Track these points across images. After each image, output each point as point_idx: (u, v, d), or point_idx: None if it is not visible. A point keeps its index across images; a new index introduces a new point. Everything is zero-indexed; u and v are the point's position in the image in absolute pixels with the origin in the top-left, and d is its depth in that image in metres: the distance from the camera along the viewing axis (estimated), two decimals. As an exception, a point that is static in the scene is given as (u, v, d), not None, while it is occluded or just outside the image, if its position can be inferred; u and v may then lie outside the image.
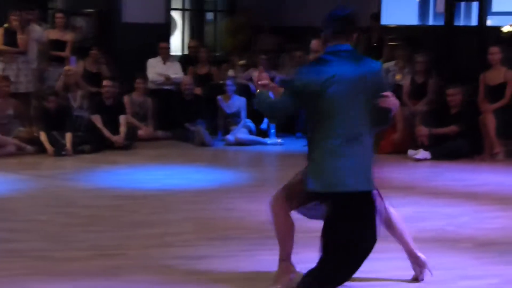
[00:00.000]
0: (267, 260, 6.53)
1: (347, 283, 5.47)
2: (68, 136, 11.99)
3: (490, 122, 12.10)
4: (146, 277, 6.11)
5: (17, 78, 12.97)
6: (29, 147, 11.98)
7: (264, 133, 13.81)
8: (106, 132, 12.56)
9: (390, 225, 5.90)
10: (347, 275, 5.34)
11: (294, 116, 14.18)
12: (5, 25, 13.04)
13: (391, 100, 5.35)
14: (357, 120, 5.24)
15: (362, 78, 5.25)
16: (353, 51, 5.39)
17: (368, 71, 5.31)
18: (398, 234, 5.96)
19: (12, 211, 8.42)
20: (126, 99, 13.44)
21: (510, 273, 6.35)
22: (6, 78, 12.63)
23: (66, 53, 13.72)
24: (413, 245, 6.01)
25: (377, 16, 15.16)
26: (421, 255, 6.02)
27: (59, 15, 13.88)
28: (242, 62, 15.09)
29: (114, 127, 12.66)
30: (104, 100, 12.90)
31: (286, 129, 14.31)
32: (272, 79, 14.44)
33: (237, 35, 16.17)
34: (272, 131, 13.87)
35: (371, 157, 5.31)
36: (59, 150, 11.79)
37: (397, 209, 7.28)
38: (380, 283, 6.07)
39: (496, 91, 12.36)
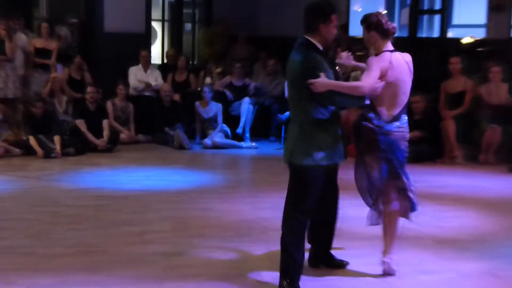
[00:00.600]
0: (242, 256, 6.60)
1: (315, 278, 5.53)
2: (57, 139, 11.98)
3: (450, 127, 12.22)
4: (127, 272, 6.13)
5: (5, 84, 12.92)
6: (16, 150, 11.97)
7: (240, 137, 13.83)
8: (90, 136, 12.56)
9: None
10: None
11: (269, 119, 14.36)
12: (-7, 34, 12.99)
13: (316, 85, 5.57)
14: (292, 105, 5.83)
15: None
16: (299, 43, 5.77)
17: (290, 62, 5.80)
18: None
19: (0, 210, 8.41)
20: (108, 104, 13.46)
21: (467, 268, 6.43)
22: (-6, 84, 12.57)
23: (51, 60, 13.70)
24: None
25: (345, 27, 15.24)
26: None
27: (44, 24, 13.87)
28: (218, 70, 15.10)
29: (97, 131, 12.65)
30: (87, 106, 12.89)
31: (260, 133, 14.37)
32: (245, 87, 14.61)
33: (213, 45, 16.19)
34: (247, 135, 13.92)
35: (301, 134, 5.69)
36: (48, 153, 11.78)
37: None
38: (349, 277, 6.12)
39: (456, 99, 12.47)
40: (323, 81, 5.56)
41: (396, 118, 6.09)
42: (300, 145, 5.68)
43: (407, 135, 6.31)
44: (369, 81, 5.77)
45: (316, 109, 5.66)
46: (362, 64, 6.36)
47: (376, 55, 6.02)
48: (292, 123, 5.82)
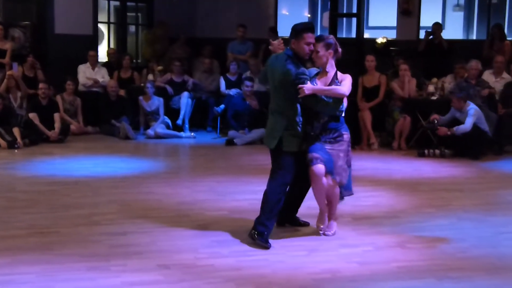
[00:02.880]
0: (181, 235, 6.58)
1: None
2: (17, 131, 11.81)
3: (367, 117, 12.33)
4: (76, 250, 6.07)
5: (-35, 82, 12.71)
6: (-24, 142, 11.74)
7: (180, 128, 13.77)
8: (43, 128, 12.40)
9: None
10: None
11: (206, 111, 14.33)
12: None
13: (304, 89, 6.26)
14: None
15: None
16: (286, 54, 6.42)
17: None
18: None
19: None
20: (58, 98, 13.31)
21: (381, 241, 6.51)
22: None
23: (6, 60, 13.51)
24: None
25: (274, 29, 15.26)
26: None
27: (-2, 27, 13.71)
28: (159, 68, 15.03)
29: (49, 124, 12.50)
30: (40, 100, 12.72)
31: (198, 125, 14.35)
32: (184, 83, 14.55)
33: (155, 45, 16.09)
34: (186, 126, 13.86)
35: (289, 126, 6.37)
36: (12, 144, 11.61)
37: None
38: (275, 254, 6.14)
39: (372, 92, 12.59)
40: (309, 86, 6.22)
41: None
42: (288, 135, 6.36)
43: None
44: (346, 89, 6.39)
45: (297, 108, 6.37)
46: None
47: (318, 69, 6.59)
48: (277, 114, 6.46)
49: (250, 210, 7.34)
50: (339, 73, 6.53)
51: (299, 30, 6.35)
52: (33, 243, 6.27)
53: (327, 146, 6.46)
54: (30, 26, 15.03)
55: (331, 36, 6.60)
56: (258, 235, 6.27)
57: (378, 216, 7.48)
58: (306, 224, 6.92)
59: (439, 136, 11.53)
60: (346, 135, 6.61)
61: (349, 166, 6.68)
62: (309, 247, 6.30)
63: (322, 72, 6.53)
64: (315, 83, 6.41)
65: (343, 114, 6.60)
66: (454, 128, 11.19)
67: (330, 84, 6.42)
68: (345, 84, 6.41)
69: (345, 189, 6.69)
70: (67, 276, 5.43)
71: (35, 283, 5.27)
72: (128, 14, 17.33)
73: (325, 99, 6.32)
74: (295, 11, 19.43)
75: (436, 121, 11.48)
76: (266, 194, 6.43)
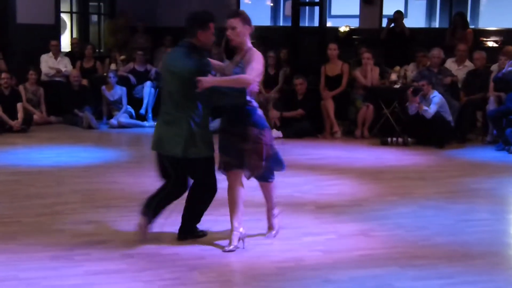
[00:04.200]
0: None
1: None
2: None
3: (330, 106, 12.37)
4: (40, 240, 6.01)
5: None
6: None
7: (143, 117, 13.70)
8: (5, 118, 12.27)
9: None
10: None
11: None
12: None
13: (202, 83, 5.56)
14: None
15: None
16: (185, 46, 5.81)
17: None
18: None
19: None
20: (20, 88, 13.17)
21: (344, 229, 6.53)
22: None
23: (-33, 49, 13.33)
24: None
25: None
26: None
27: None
28: (122, 57, 14.96)
29: (12, 114, 12.36)
30: (2, 90, 12.57)
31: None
32: (147, 72, 14.49)
33: (117, 35, 16.02)
34: (150, 115, 13.79)
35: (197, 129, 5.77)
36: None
37: (252, 180, 7.36)
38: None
39: (334, 81, 12.62)
40: (207, 79, 5.56)
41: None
42: (199, 139, 5.76)
43: None
44: (255, 73, 5.63)
45: (204, 108, 5.78)
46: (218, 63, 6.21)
47: (238, 49, 5.85)
48: (176, 119, 5.77)
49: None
50: (249, 51, 5.77)
51: (206, 20, 5.79)
52: (-6, 234, 6.20)
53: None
54: (-8, 15, 14.84)
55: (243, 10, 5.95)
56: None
57: (341, 205, 7.50)
58: (205, 233, 6.23)
59: (402, 124, 11.59)
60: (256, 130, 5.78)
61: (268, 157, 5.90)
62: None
63: (240, 52, 5.83)
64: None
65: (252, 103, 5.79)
66: (425, 108, 11.17)
67: (236, 67, 5.76)
68: (253, 68, 5.61)
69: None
70: (31, 265, 5.38)
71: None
72: (91, 3, 17.21)
73: (222, 90, 5.64)
74: (257, 0, 19.42)
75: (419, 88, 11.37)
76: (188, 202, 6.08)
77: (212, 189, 6.01)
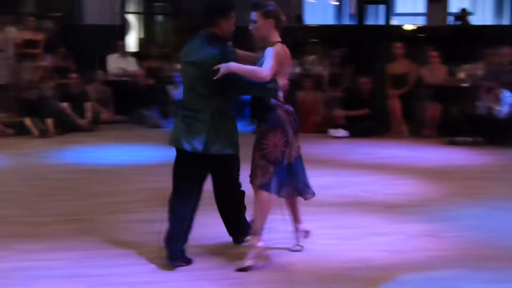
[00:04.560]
0: (211, 222, 6.54)
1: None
2: (50, 121, 11.93)
3: (396, 105, 12.23)
4: (108, 237, 6.08)
5: (-2, 72, 12.90)
6: (9, 130, 11.89)
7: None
8: (74, 117, 12.47)
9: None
10: None
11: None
12: (-14, 28, 13.03)
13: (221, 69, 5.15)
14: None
15: None
16: (207, 36, 5.45)
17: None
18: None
19: (-6, 184, 8.32)
20: (89, 87, 13.38)
21: (412, 229, 6.42)
22: (-12, 72, 12.58)
23: (38, 50, 13.63)
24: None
25: (300, 17, 15.18)
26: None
27: (31, 18, 13.87)
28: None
29: (80, 112, 12.58)
30: (72, 90, 12.82)
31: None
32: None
33: (182, 34, 16.14)
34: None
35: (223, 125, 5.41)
36: (44, 133, 11.73)
37: (319, 179, 7.37)
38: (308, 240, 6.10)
39: (400, 79, 12.48)
40: (227, 65, 5.12)
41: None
42: (223, 135, 5.36)
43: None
44: (268, 68, 5.14)
45: (229, 101, 5.40)
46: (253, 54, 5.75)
47: (263, 46, 5.35)
48: (198, 113, 5.33)
49: (278, 199, 7.30)
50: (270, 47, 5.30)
51: (228, 7, 5.42)
52: (66, 230, 6.31)
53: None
54: (61, 18, 15.16)
55: (272, 2, 5.43)
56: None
57: (409, 205, 7.38)
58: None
59: (470, 123, 11.38)
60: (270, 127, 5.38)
61: (271, 162, 5.39)
62: (340, 235, 6.23)
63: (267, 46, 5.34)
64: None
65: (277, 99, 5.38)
66: (498, 107, 10.94)
67: (255, 63, 5.39)
68: (267, 63, 5.16)
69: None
70: (99, 262, 5.45)
71: (68, 269, 5.29)
72: (156, 4, 17.37)
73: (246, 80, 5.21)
74: (321, -1, 19.32)
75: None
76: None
77: (236, 193, 5.72)
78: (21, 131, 11.83)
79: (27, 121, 11.86)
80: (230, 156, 5.49)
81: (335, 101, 12.75)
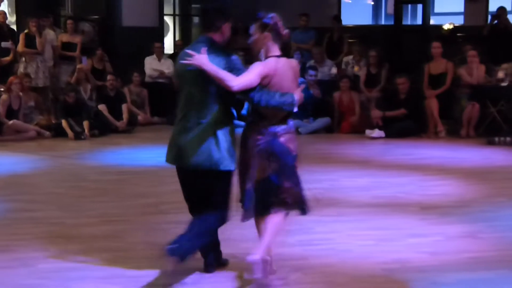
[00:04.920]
0: (246, 224, 6.52)
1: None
2: (86, 124, 12.03)
3: (434, 105, 12.11)
4: (145, 239, 6.10)
5: (36, 74, 13.10)
6: (47, 133, 12.02)
7: (245, 118, 13.70)
8: (111, 119, 12.57)
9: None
10: None
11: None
12: (26, 31, 13.22)
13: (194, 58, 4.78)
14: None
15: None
16: (207, 42, 4.96)
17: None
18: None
19: (33, 186, 8.41)
20: (125, 90, 13.46)
21: (451, 231, 6.35)
22: (27, 75, 12.78)
23: (76, 53, 13.78)
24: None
25: (337, 17, 15.11)
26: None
27: (69, 21, 14.00)
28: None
29: (117, 114, 12.67)
30: (108, 92, 12.90)
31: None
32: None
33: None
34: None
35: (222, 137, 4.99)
36: (78, 135, 11.83)
37: (356, 180, 7.32)
38: (343, 243, 6.05)
39: (438, 79, 12.37)
40: (201, 58, 4.74)
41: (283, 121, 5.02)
42: (224, 148, 4.93)
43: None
44: (242, 81, 4.77)
45: (230, 110, 5.03)
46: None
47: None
48: (198, 124, 4.92)
49: (315, 200, 7.28)
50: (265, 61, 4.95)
51: (230, 11, 5.09)
52: (103, 231, 6.34)
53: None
54: (99, 20, 15.31)
55: (272, 14, 5.07)
56: None
57: (447, 206, 7.30)
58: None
59: (510, 122, 11.24)
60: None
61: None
62: (376, 236, 6.18)
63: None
64: None
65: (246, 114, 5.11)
66: None
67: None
68: (242, 75, 4.79)
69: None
70: (137, 263, 5.45)
71: (105, 271, 5.32)
72: (193, 5, 17.43)
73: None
74: (358, -1, 19.25)
75: None
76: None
77: (224, 217, 5.17)
78: (59, 134, 11.96)
79: (64, 123, 11.98)
80: (231, 172, 5.03)
81: (372, 102, 12.69)
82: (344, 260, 5.56)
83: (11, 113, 11.99)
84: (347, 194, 7.69)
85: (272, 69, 4.88)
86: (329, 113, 12.79)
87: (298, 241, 6.01)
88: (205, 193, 5.12)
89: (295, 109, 4.94)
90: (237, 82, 4.74)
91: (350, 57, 13.80)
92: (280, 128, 4.99)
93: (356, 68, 13.52)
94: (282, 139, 4.99)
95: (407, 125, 12.05)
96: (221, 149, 4.92)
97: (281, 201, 5.03)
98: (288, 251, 5.74)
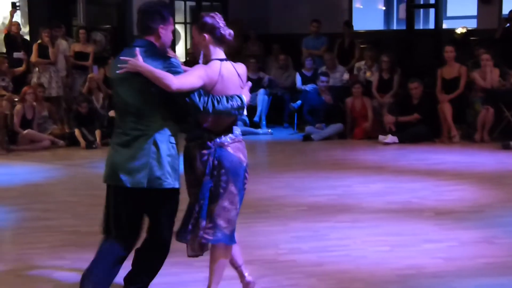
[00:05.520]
0: (261, 230, 6.56)
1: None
2: (98, 133, 12.12)
3: (447, 110, 12.08)
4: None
5: (50, 84, 13.23)
6: (61, 142, 12.14)
7: (257, 125, 13.78)
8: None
9: None
10: None
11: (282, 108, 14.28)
12: (38, 41, 13.31)
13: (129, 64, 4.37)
14: None
15: None
16: (144, 45, 4.51)
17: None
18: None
19: (47, 194, 8.48)
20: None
21: (466, 236, 6.34)
22: (41, 85, 12.88)
23: (89, 62, 13.84)
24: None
25: (349, 23, 15.12)
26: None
27: (82, 31, 14.04)
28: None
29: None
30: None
31: (274, 121, 14.31)
32: (260, 80, 14.55)
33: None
34: (263, 122, 13.87)
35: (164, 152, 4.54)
36: (90, 144, 11.93)
37: (370, 185, 7.30)
38: (359, 249, 6.05)
39: (451, 84, 12.34)
40: (141, 62, 4.34)
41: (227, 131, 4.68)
42: (167, 164, 4.48)
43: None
44: (182, 81, 4.34)
45: (172, 120, 4.55)
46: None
47: (205, 62, 4.64)
48: (136, 138, 4.46)
49: (329, 206, 7.31)
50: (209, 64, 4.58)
51: (167, 13, 4.57)
52: (117, 241, 6.34)
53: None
54: (111, 29, 15.37)
55: (212, 14, 4.75)
56: None
57: (462, 211, 7.29)
58: None
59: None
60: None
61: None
62: (391, 242, 6.19)
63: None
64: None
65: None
66: None
67: None
68: (182, 75, 4.38)
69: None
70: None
71: (120, 278, 5.31)
72: (203, 13, 17.48)
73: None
74: (369, 4, 19.21)
75: None
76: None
77: (166, 245, 4.87)
78: (72, 143, 12.05)
79: (77, 132, 12.07)
80: (176, 191, 4.67)
81: (385, 107, 12.68)
82: (359, 267, 5.56)
83: (25, 123, 12.09)
84: (361, 200, 7.69)
85: (215, 73, 4.53)
86: (341, 119, 12.80)
87: (313, 247, 6.03)
88: (144, 216, 4.69)
89: (244, 113, 4.70)
90: (176, 81, 4.30)
91: (362, 62, 13.81)
92: (227, 137, 4.66)
93: (368, 74, 13.51)
94: (229, 149, 4.70)
95: (421, 130, 12.03)
96: (163, 165, 4.46)
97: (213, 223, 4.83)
98: (303, 257, 5.76)
